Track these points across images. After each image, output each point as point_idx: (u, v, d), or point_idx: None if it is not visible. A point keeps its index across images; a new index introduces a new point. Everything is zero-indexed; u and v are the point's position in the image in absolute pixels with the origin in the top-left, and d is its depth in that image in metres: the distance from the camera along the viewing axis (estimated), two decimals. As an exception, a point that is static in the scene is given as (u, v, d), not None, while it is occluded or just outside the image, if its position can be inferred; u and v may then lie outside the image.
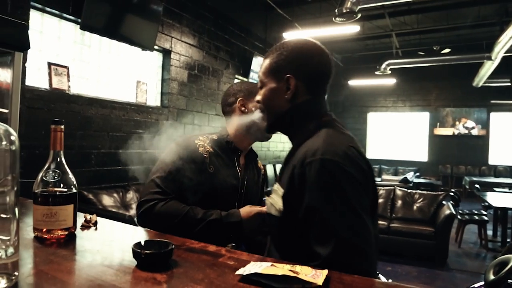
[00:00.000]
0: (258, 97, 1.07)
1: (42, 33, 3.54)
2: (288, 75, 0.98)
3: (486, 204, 5.47)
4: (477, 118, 10.42)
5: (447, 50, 8.37)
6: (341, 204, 0.81)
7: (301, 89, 0.98)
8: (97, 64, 4.15)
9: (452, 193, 5.41)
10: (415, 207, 4.87)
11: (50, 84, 3.45)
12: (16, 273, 0.63)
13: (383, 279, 0.99)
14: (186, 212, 1.16)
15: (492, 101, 10.04)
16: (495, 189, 7.17)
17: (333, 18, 4.92)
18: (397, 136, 11.41)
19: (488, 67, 7.65)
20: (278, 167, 8.22)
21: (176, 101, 5.18)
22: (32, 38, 3.29)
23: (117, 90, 4.38)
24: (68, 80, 3.60)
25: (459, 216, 5.06)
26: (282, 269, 0.67)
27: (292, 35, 6.24)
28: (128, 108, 4.31)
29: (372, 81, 9.58)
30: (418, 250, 4.42)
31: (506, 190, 7.31)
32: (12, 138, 0.63)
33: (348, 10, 4.60)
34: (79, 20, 3.65)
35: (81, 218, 1.04)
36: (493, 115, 10.38)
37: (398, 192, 5.10)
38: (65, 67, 3.59)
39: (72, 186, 0.91)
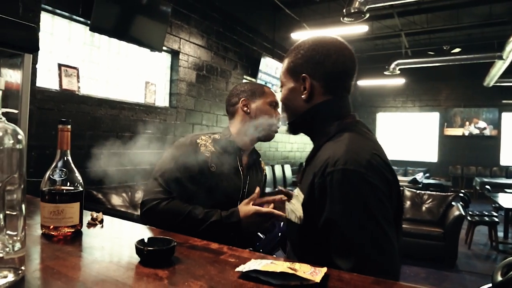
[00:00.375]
0: (280, 97, 1.06)
1: (53, 34, 3.60)
2: (303, 74, 0.95)
3: (497, 205, 5.40)
4: (488, 118, 10.30)
5: (457, 50, 8.28)
6: (363, 218, 0.77)
7: (318, 89, 0.95)
8: (106, 65, 4.21)
9: (461, 194, 5.36)
10: (424, 208, 4.84)
11: (60, 85, 3.50)
12: (22, 268, 0.65)
13: None
14: (188, 212, 1.18)
15: (504, 101, 9.92)
16: (506, 190, 7.07)
17: (341, 18, 4.91)
18: (406, 136, 11.32)
19: (499, 67, 7.55)
20: (287, 167, 8.22)
21: (185, 102, 5.22)
22: (43, 39, 3.35)
23: (126, 91, 4.43)
24: (78, 81, 3.65)
25: (469, 217, 5.01)
26: (281, 266, 0.68)
27: (300, 35, 6.24)
28: (137, 109, 4.35)
29: (381, 81, 9.53)
30: (427, 251, 4.38)
31: (518, 191, 7.21)
32: (19, 137, 0.65)
33: (356, 10, 4.59)
34: (89, 22, 3.70)
35: (88, 216, 1.06)
36: (505, 115, 10.25)
37: (407, 193, 5.07)
38: (75, 68, 3.65)
39: (78, 185, 0.93)
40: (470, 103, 10.41)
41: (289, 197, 1.29)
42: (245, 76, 6.74)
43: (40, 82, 3.32)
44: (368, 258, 0.75)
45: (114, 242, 0.95)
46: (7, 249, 0.63)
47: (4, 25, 1.35)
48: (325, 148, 0.89)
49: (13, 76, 1.54)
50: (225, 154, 1.34)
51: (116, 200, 3.66)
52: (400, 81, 9.59)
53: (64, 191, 0.90)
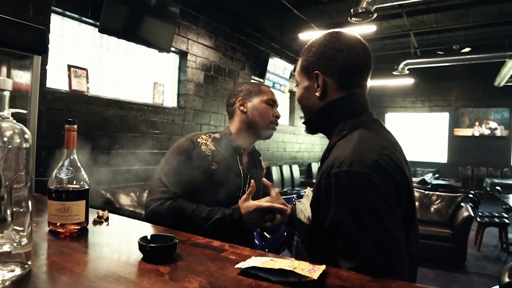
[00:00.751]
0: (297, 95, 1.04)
1: (63, 36, 3.66)
2: (316, 71, 0.94)
3: (508, 206, 5.33)
4: (499, 118, 10.16)
5: (467, 49, 8.19)
6: (368, 220, 0.75)
7: (331, 85, 0.93)
8: (115, 66, 4.26)
9: (471, 195, 5.30)
10: (432, 209, 4.80)
11: (70, 86, 3.56)
12: (29, 262, 0.67)
13: None
14: (191, 211, 1.20)
15: (515, 101, 9.79)
16: (517, 191, 6.98)
17: (349, 18, 4.90)
18: (415, 137, 11.23)
19: (511, 66, 7.45)
20: (295, 168, 8.22)
21: (193, 102, 5.25)
22: (53, 41, 3.41)
23: (134, 92, 4.48)
24: (87, 82, 3.71)
25: (478, 219, 4.96)
26: (279, 263, 0.69)
27: (308, 35, 6.24)
28: (145, 109, 4.40)
29: (390, 81, 9.47)
30: (435, 253, 4.35)
31: (529, 192, 7.10)
32: (26, 136, 0.67)
33: (363, 10, 4.58)
34: (98, 23, 3.76)
35: (94, 214, 1.09)
36: (516, 115, 10.12)
37: (415, 193, 5.01)
38: (84, 69, 3.70)
39: (84, 183, 0.95)
40: (480, 103, 10.29)
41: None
42: (253, 77, 6.76)
43: (50, 83, 3.38)
44: (371, 260, 0.74)
45: (118, 239, 0.97)
46: (15, 244, 0.65)
47: (13, 28, 1.38)
48: (336, 147, 0.87)
49: (23, 77, 1.58)
50: (225, 153, 1.36)
51: (125, 200, 3.70)
52: (409, 81, 9.52)
53: (70, 189, 0.93)
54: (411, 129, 11.37)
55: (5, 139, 0.64)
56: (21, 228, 0.66)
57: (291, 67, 7.50)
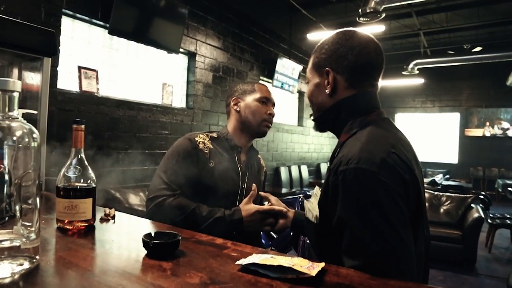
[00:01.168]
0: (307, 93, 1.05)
1: (73, 38, 3.72)
2: (327, 68, 0.94)
3: (520, 207, 5.26)
4: (510, 118, 10.01)
5: (478, 49, 8.09)
6: (374, 219, 0.74)
7: (341, 83, 0.93)
8: (125, 67, 4.31)
9: (482, 196, 5.24)
10: (441, 210, 4.75)
11: (80, 87, 3.62)
12: (37, 257, 0.70)
13: None
14: (192, 209, 1.22)
15: (528, 101, 9.64)
16: (530, 192, 6.87)
17: (357, 18, 4.88)
18: (426, 137, 11.12)
19: (523, 66, 7.34)
20: (303, 168, 8.21)
21: (201, 103, 5.29)
22: (64, 43, 3.47)
23: (143, 92, 4.53)
24: (97, 83, 3.76)
25: (489, 220, 4.89)
26: (278, 260, 0.70)
27: (317, 36, 6.24)
28: (154, 110, 4.44)
29: (400, 81, 9.40)
30: (445, 254, 4.30)
31: (542, 193, 6.98)
32: (34, 136, 0.70)
33: (372, 10, 4.56)
34: (108, 25, 3.81)
35: (101, 212, 1.11)
36: (529, 116, 9.96)
37: (425, 194, 4.98)
38: (94, 70, 3.76)
39: (91, 181, 0.98)
40: (492, 103, 10.14)
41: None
42: (261, 77, 6.77)
43: (61, 84, 3.44)
44: (376, 259, 0.73)
45: (124, 236, 1.00)
46: (24, 239, 0.68)
47: (24, 31, 1.42)
48: (345, 145, 0.87)
49: (34, 79, 1.62)
50: (223, 151, 1.40)
51: (134, 199, 3.75)
52: (419, 81, 9.44)
53: (78, 187, 0.95)
54: (421, 129, 11.26)
55: (15, 138, 0.67)
56: (30, 224, 0.69)
57: (300, 67, 7.50)
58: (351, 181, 0.77)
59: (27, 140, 0.68)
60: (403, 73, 8.50)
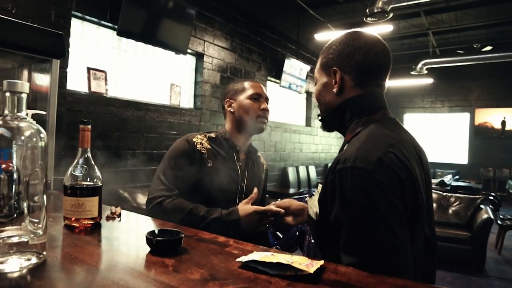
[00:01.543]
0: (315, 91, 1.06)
1: (82, 40, 3.77)
2: (334, 68, 0.96)
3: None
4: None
5: (488, 48, 8.00)
6: (369, 217, 0.76)
7: (348, 82, 0.95)
8: (133, 68, 4.36)
9: (491, 197, 5.19)
10: (450, 211, 4.72)
11: (89, 87, 3.67)
12: (44, 253, 0.72)
13: None
14: (189, 210, 1.24)
15: (539, 101, 9.50)
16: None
17: (364, 18, 4.87)
18: (435, 137, 11.02)
19: (534, 65, 7.24)
20: (311, 169, 8.19)
21: (209, 103, 5.32)
22: (73, 45, 3.53)
23: (151, 93, 4.58)
24: (106, 84, 3.81)
25: (499, 221, 4.84)
26: (278, 258, 0.72)
27: (325, 36, 6.23)
28: (162, 110, 4.48)
29: (409, 81, 9.33)
30: (453, 255, 4.27)
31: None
32: (42, 135, 0.72)
33: (379, 10, 4.54)
34: (116, 27, 3.86)
35: (107, 210, 1.14)
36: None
37: (433, 195, 4.94)
38: (103, 71, 3.81)
39: (97, 180, 1.01)
40: (503, 103, 10.01)
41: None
42: (269, 78, 6.78)
43: (71, 85, 3.49)
44: (370, 256, 0.75)
45: (129, 233, 1.02)
46: (31, 235, 0.70)
47: (33, 33, 1.46)
48: (349, 144, 0.89)
49: (44, 80, 1.66)
50: (222, 151, 1.42)
51: (142, 199, 3.78)
52: (428, 81, 9.36)
53: (84, 186, 0.98)
54: (430, 130, 11.16)
55: (23, 138, 0.70)
56: (37, 221, 0.72)
57: (308, 67, 7.49)
58: (347, 179, 0.78)
59: (34, 139, 0.71)
60: (412, 73, 8.44)
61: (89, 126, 1.01)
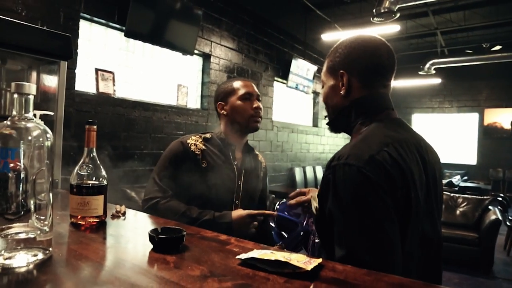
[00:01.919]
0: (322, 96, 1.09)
1: (90, 41, 3.82)
2: (341, 71, 0.99)
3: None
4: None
5: (497, 47, 7.91)
6: (357, 211, 0.79)
7: (355, 84, 0.98)
8: (141, 69, 4.40)
9: (500, 198, 5.14)
10: (458, 212, 4.69)
11: (97, 88, 3.72)
12: (50, 249, 0.75)
13: None
14: (182, 212, 1.27)
15: (550, 101, 9.36)
16: (551, 195, 6.68)
17: (371, 18, 4.86)
18: (443, 138, 10.93)
19: (544, 64, 7.15)
20: (318, 169, 8.18)
21: (215, 104, 5.33)
22: (81, 46, 3.58)
23: (159, 94, 4.62)
24: (114, 85, 3.86)
25: (508, 223, 4.79)
26: (276, 255, 0.73)
27: (332, 36, 6.22)
28: (169, 111, 4.52)
29: (417, 81, 9.27)
30: (461, 256, 4.24)
31: None
32: (48, 135, 0.75)
33: (386, 10, 4.53)
34: (124, 28, 3.90)
35: (112, 209, 1.16)
36: (552, 116, 9.66)
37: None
38: (111, 72, 3.85)
39: (103, 179, 1.03)
40: (512, 103, 9.90)
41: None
42: (276, 78, 6.79)
43: (79, 86, 3.54)
44: (358, 249, 0.78)
45: (133, 231, 1.05)
46: (38, 232, 0.73)
47: (42, 35, 1.49)
48: (347, 143, 0.92)
49: (52, 81, 1.70)
50: (217, 151, 1.44)
51: (149, 198, 3.82)
52: (436, 81, 9.29)
53: (90, 185, 1.00)
54: (439, 130, 11.07)
55: (30, 138, 0.72)
56: (43, 218, 0.74)
57: (315, 68, 7.49)
58: (340, 175, 0.82)
59: (41, 139, 0.73)
60: (420, 73, 8.39)
61: (95, 127, 1.04)
